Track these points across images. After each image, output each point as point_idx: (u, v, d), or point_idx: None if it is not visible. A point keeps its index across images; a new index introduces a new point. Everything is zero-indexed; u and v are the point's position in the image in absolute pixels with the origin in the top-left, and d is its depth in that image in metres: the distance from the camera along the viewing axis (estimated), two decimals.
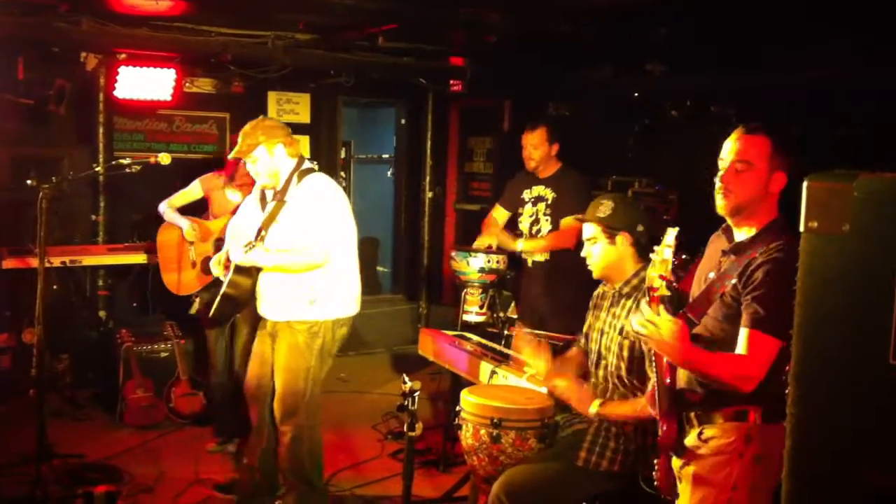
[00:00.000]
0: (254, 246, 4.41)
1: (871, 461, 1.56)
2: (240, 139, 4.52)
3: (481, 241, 5.77)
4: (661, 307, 2.74)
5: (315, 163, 4.69)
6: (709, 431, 2.81)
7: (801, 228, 1.62)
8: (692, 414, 2.86)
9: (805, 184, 1.63)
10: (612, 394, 3.65)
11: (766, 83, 5.90)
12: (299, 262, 4.42)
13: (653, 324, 2.70)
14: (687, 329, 2.74)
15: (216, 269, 4.67)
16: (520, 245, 5.65)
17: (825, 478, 1.62)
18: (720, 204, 2.84)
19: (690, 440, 2.85)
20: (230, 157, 4.63)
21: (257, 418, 4.74)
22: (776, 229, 2.78)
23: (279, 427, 4.59)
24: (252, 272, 4.53)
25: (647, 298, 2.74)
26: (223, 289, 4.57)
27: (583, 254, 3.76)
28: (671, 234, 2.76)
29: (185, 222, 5.78)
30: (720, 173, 2.82)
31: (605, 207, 3.68)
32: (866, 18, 4.76)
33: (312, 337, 4.49)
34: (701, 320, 2.88)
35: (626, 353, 3.58)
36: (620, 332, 3.62)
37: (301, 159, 4.59)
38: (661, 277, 2.70)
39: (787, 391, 2.62)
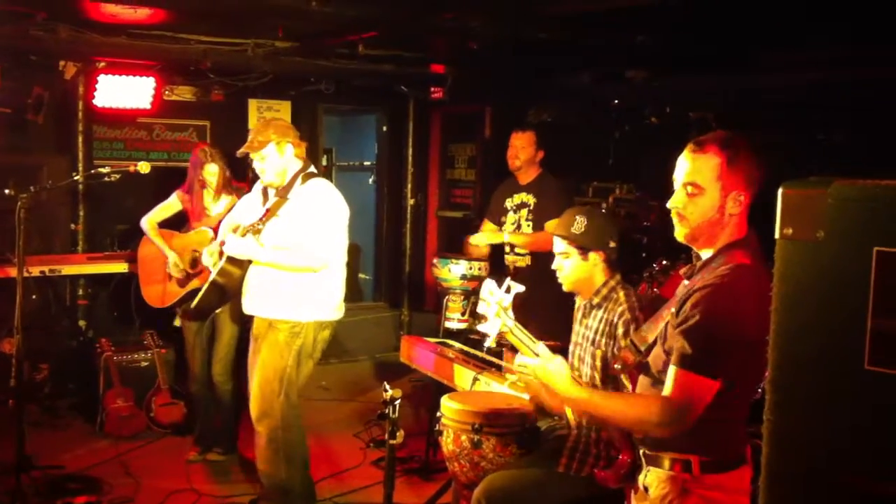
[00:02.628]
0: (247, 232, 4.43)
1: (848, 466, 1.57)
2: (251, 135, 4.59)
3: (477, 250, 5.79)
4: (539, 346, 2.62)
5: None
6: (650, 477, 2.60)
7: (777, 235, 1.63)
8: (642, 451, 2.66)
9: (780, 191, 1.64)
10: None
11: (746, 88, 5.94)
12: (296, 263, 4.45)
13: (523, 365, 2.62)
14: (564, 370, 2.59)
15: (209, 260, 4.68)
16: (506, 237, 5.67)
17: (802, 483, 1.63)
18: (677, 231, 2.56)
19: (640, 478, 2.66)
20: (238, 152, 4.63)
21: None
22: (731, 252, 2.48)
23: (255, 428, 4.60)
24: (244, 264, 4.56)
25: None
26: (212, 276, 4.58)
27: (554, 266, 3.76)
28: (495, 291, 2.72)
29: (171, 255, 5.77)
30: (672, 197, 2.55)
31: (578, 224, 3.65)
32: (847, 22, 4.79)
33: (293, 337, 4.51)
34: (649, 350, 2.64)
35: (598, 363, 3.58)
36: (592, 343, 3.63)
37: (307, 162, 4.68)
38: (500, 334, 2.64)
39: (728, 437, 2.50)
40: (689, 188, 2.49)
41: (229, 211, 5.14)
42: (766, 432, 1.64)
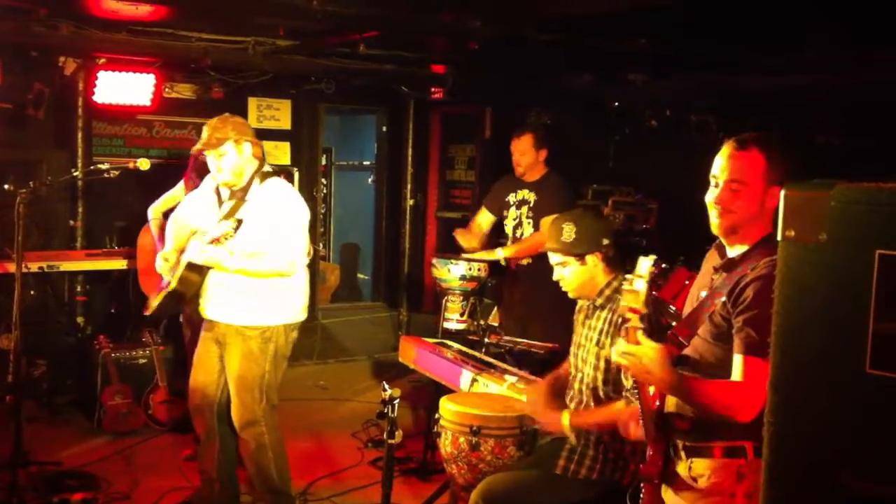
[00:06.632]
0: (219, 242, 4.20)
1: (848, 469, 1.57)
2: (207, 132, 4.37)
3: (468, 242, 5.80)
4: (640, 334, 2.59)
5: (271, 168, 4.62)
6: (698, 467, 2.66)
7: (779, 237, 1.63)
8: (680, 444, 2.71)
9: (782, 192, 1.63)
10: (585, 406, 3.64)
11: (746, 91, 5.95)
12: (266, 269, 4.33)
13: (631, 354, 2.56)
14: (667, 355, 2.57)
15: (163, 267, 4.54)
16: (499, 253, 5.68)
17: (803, 486, 1.63)
18: (715, 223, 2.68)
19: (682, 470, 2.71)
20: (193, 150, 4.45)
21: (204, 430, 4.65)
22: (770, 245, 2.51)
23: (240, 436, 4.54)
24: (203, 270, 4.39)
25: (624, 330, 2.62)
26: (172, 285, 4.42)
27: (555, 278, 3.74)
28: (644, 265, 2.58)
29: (159, 246, 5.74)
30: (715, 193, 2.66)
31: (567, 233, 3.63)
32: (846, 25, 4.79)
33: (265, 342, 4.41)
34: (690, 342, 2.70)
35: (602, 364, 3.57)
36: (597, 343, 3.62)
37: (263, 161, 4.51)
38: (632, 311, 2.55)
39: None
40: (734, 185, 2.62)
41: None
42: (766, 434, 1.64)
